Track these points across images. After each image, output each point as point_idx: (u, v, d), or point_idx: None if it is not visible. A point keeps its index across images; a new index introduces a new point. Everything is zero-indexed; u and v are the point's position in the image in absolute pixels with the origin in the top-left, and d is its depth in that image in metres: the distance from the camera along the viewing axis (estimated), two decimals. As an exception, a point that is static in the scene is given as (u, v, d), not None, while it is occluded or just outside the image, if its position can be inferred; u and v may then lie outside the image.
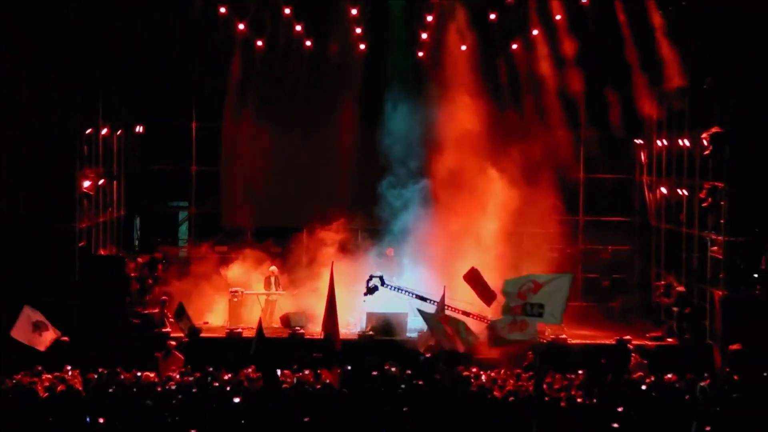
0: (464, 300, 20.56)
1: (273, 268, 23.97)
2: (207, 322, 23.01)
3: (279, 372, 18.00)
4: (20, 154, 20.88)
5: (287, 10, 24.72)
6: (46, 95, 20.82)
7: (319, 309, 20.08)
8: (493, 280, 22.53)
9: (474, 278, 20.60)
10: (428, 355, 19.01)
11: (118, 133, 25.18)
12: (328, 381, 17.33)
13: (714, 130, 21.38)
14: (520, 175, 23.98)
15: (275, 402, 16.21)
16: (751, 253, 20.97)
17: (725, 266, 21.21)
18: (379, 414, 15.44)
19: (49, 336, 18.47)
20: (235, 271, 24.23)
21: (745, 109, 20.85)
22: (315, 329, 20.87)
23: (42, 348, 18.29)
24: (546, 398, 16.27)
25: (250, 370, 17.88)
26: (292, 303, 23.07)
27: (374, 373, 17.94)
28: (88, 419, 14.52)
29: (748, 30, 20.37)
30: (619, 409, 15.53)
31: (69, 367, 17.78)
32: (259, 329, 17.58)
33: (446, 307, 19.38)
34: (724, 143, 21.12)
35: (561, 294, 15.48)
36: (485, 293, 20.46)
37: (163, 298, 22.60)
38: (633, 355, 20.01)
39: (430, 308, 20.82)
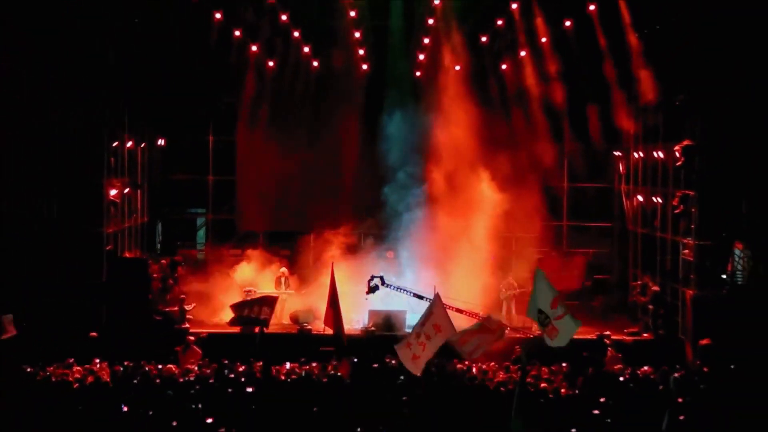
0: (459, 299, 20.62)
1: (283, 269, 24.02)
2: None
3: (288, 365, 18.19)
4: (53, 165, 20.98)
5: (296, 34, 24.89)
6: (77, 112, 20.95)
7: (325, 306, 20.29)
8: (485, 279, 22.72)
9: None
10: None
11: (142, 146, 25.33)
12: (339, 373, 17.45)
13: (685, 142, 21.48)
14: (509, 182, 24.03)
15: (283, 392, 16.33)
16: (719, 255, 21.00)
17: (696, 268, 21.26)
18: (380, 403, 15.53)
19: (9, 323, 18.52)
20: (244, 272, 24.23)
21: (713, 123, 20.87)
22: (322, 325, 20.99)
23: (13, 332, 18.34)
24: (531, 389, 16.37)
25: (260, 363, 18.00)
26: (300, 301, 23.13)
27: (375, 365, 18.10)
28: (124, 408, 14.54)
29: (717, 51, 20.38)
30: (601, 400, 15.56)
31: (97, 360, 17.90)
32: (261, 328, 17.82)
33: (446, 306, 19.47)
34: (694, 155, 21.20)
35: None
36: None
37: (183, 296, 22.62)
38: (609, 349, 20.09)
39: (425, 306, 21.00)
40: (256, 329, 19.94)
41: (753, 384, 16.71)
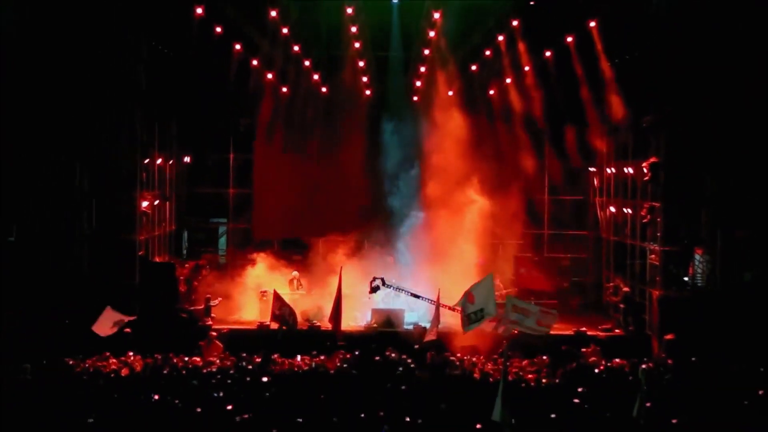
0: (452, 298, 20.65)
1: (295, 273, 23.92)
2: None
3: (299, 357, 18.22)
4: (92, 180, 21.05)
5: (307, 63, 24.98)
6: (113, 133, 21.01)
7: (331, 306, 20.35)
8: (474, 281, 22.69)
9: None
10: (416, 347, 19.10)
11: (170, 162, 25.33)
12: (328, 365, 17.48)
13: (652, 159, 21.52)
14: (496, 195, 23.99)
15: (295, 381, 16.34)
16: (681, 260, 21.08)
17: (661, 271, 21.25)
18: (380, 391, 15.58)
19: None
20: (254, 275, 24.04)
21: (677, 142, 20.92)
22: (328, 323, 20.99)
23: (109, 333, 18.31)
24: (512, 377, 16.40)
25: (275, 355, 18.03)
26: (311, 301, 23.04)
27: (377, 357, 18.16)
28: (155, 396, 14.56)
29: (679, 79, 20.49)
30: (579, 390, 15.53)
31: (131, 353, 17.98)
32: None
33: (441, 305, 19.54)
34: (660, 170, 21.23)
35: (489, 291, 15.65)
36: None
37: (207, 296, 22.59)
38: (591, 344, 20.09)
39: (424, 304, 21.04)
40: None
41: (712, 374, 16.81)
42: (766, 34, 19.75)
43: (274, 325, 20.65)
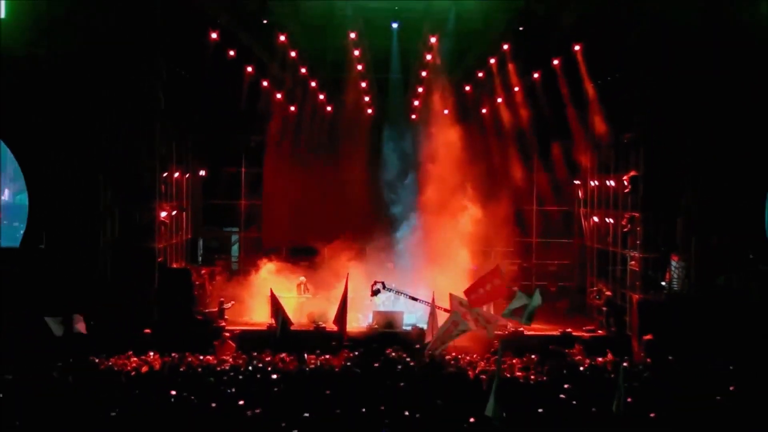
0: (447, 301, 20.71)
1: (302, 278, 23.92)
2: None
3: (306, 356, 18.27)
4: (115, 192, 21.16)
5: (313, 83, 25.18)
6: (134, 148, 21.19)
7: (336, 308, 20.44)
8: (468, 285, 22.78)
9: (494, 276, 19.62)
10: (417, 346, 19.15)
11: (187, 176, 25.37)
12: (334, 363, 17.57)
13: (632, 173, 21.68)
14: (488, 206, 24.14)
15: (302, 378, 16.40)
16: (659, 266, 21.18)
17: (641, 276, 21.39)
18: (381, 388, 15.65)
19: (80, 321, 18.36)
20: (268, 279, 23.86)
21: (654, 157, 21.07)
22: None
23: (83, 330, 18.29)
24: (507, 374, 16.49)
25: (284, 354, 18.10)
26: (316, 304, 23.07)
27: (378, 356, 18.20)
28: (170, 393, 14.62)
29: (656, 98, 20.67)
30: (565, 386, 15.53)
31: (151, 352, 17.99)
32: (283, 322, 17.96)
33: (436, 307, 19.62)
34: (639, 183, 21.38)
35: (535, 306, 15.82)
36: (494, 292, 18.31)
37: (221, 300, 22.61)
38: (576, 344, 20.18)
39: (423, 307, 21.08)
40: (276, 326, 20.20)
41: (687, 371, 16.89)
42: (735, 56, 19.94)
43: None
